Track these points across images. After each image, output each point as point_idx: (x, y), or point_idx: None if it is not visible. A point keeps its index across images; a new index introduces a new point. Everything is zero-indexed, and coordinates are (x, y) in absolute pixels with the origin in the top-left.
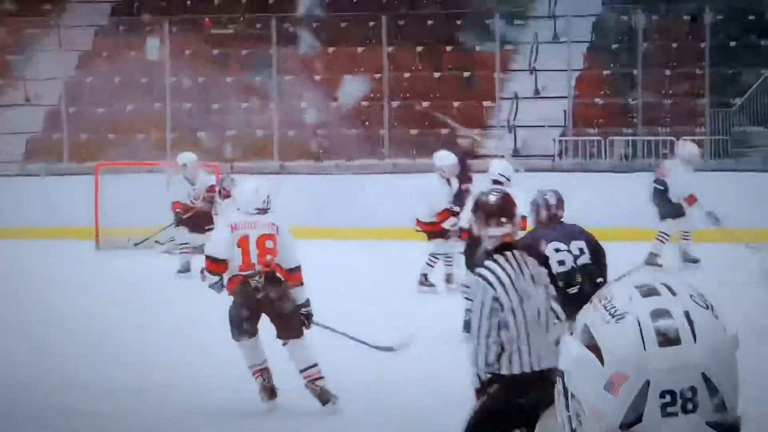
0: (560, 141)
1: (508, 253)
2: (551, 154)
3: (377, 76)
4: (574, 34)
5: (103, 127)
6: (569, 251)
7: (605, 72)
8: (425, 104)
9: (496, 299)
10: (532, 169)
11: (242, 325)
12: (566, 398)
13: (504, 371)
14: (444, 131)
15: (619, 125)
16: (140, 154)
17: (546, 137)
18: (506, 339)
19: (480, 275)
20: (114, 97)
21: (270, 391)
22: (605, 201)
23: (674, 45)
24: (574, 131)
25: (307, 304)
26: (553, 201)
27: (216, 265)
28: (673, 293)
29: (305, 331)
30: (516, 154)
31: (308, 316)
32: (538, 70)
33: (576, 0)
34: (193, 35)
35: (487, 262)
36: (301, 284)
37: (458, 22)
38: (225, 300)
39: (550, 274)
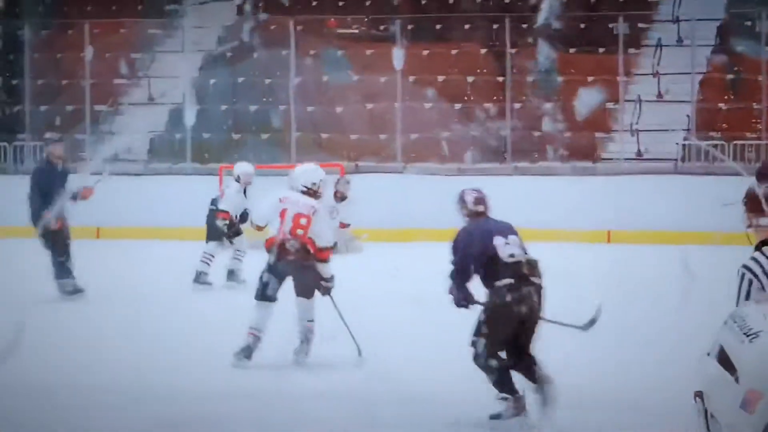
0: (684, 145)
1: None
2: (674, 158)
3: (500, 79)
4: (699, 38)
5: (227, 126)
6: (509, 244)
7: (729, 76)
8: (547, 105)
9: (760, 290)
10: (656, 171)
11: (266, 290)
12: (706, 419)
13: None
14: (567, 133)
15: (743, 129)
16: (263, 155)
17: (669, 141)
18: None
19: (745, 267)
20: (237, 97)
21: (249, 353)
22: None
23: None
24: (698, 135)
25: (330, 279)
26: (470, 198)
27: (258, 228)
28: None
29: (316, 295)
30: (639, 156)
31: (328, 289)
32: (662, 74)
33: (700, 3)
34: (318, 35)
35: (755, 254)
36: (327, 261)
37: (582, 26)
38: None
39: (496, 265)
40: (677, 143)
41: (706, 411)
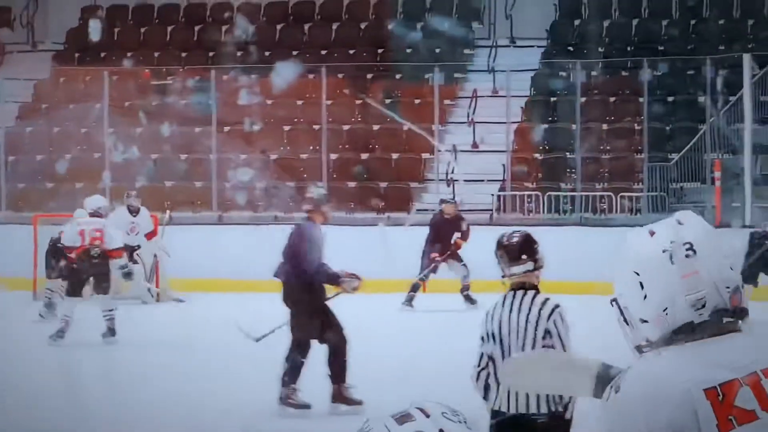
0: (499, 195)
1: (519, 292)
2: (489, 209)
3: (316, 127)
4: (513, 88)
5: (42, 176)
6: None
7: (543, 126)
8: (364, 156)
9: (488, 333)
10: (471, 222)
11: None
12: None
13: (492, 406)
14: (383, 184)
15: (557, 180)
16: (79, 205)
17: (485, 192)
18: (492, 373)
19: (487, 313)
20: (53, 147)
21: (63, 335)
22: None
23: (612, 100)
24: (513, 185)
25: (125, 266)
26: None
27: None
28: (427, 415)
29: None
30: None
31: (126, 274)
32: (477, 122)
33: (515, 54)
34: (132, 86)
35: (498, 300)
36: (120, 257)
37: (398, 76)
38: None
39: None
40: (492, 194)
41: None
